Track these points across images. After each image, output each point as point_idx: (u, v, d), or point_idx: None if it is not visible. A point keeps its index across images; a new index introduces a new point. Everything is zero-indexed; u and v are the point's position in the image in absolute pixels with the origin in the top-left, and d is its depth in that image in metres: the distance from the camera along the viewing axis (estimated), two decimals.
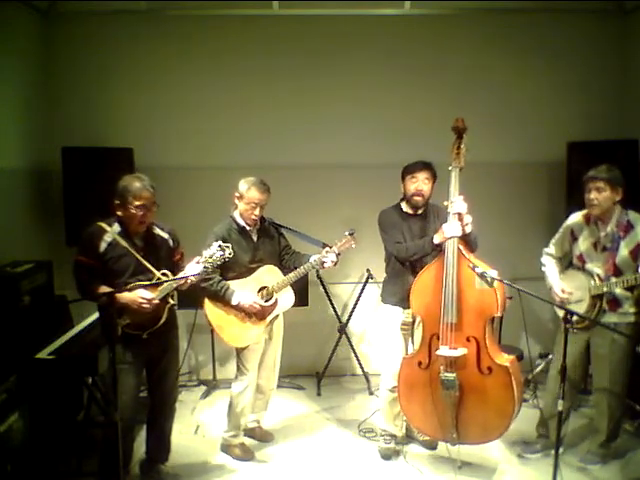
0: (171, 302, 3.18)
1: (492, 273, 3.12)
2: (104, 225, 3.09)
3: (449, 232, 3.31)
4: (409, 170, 3.57)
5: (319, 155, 4.84)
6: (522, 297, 4.21)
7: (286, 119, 4.85)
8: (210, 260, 3.08)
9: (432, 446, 3.79)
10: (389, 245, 3.60)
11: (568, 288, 3.43)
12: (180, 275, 3.15)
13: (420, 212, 3.62)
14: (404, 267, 3.57)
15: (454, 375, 3.30)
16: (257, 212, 3.57)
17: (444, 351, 3.31)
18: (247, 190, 3.55)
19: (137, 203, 3.03)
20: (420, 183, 3.53)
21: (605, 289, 3.29)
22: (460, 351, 3.31)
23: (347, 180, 4.74)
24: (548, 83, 4.89)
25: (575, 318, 3.32)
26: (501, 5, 4.80)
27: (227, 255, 3.09)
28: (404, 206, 3.65)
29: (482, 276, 3.08)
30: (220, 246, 3.08)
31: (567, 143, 4.70)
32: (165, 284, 3.07)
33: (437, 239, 3.38)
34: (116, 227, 3.10)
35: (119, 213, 3.09)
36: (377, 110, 4.83)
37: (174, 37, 4.74)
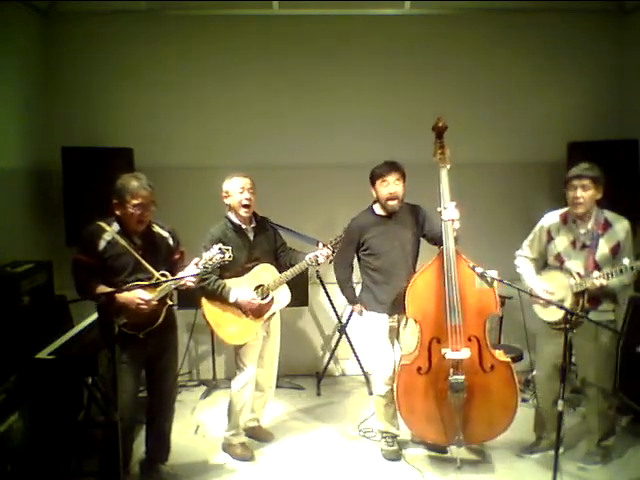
0: (169, 303, 3.18)
1: (492, 273, 3.13)
2: (103, 224, 3.10)
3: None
4: (378, 174, 3.57)
5: (319, 155, 4.85)
6: (522, 297, 4.21)
7: (286, 119, 4.85)
8: (210, 262, 3.07)
9: (442, 449, 3.69)
10: (336, 256, 3.68)
11: (551, 288, 3.41)
12: (179, 275, 3.14)
13: (395, 213, 3.61)
14: (382, 276, 3.60)
15: (463, 377, 3.30)
16: (246, 195, 3.58)
17: (452, 354, 3.30)
18: (229, 182, 3.63)
19: (135, 202, 3.04)
20: (392, 186, 3.53)
21: (588, 285, 3.27)
22: (467, 352, 3.32)
23: (347, 180, 4.73)
24: (548, 83, 4.89)
25: (556, 319, 3.34)
26: (501, 5, 4.80)
27: (227, 258, 3.09)
28: (377, 209, 3.65)
29: (482, 276, 3.09)
30: (220, 249, 3.08)
31: (567, 143, 4.70)
32: (164, 285, 3.07)
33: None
34: (115, 226, 3.11)
35: (118, 212, 3.10)
36: (377, 110, 4.84)
37: (174, 37, 4.75)
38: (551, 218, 3.51)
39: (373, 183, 3.61)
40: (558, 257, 3.46)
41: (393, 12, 4.84)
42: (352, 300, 3.81)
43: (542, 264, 3.57)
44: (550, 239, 3.49)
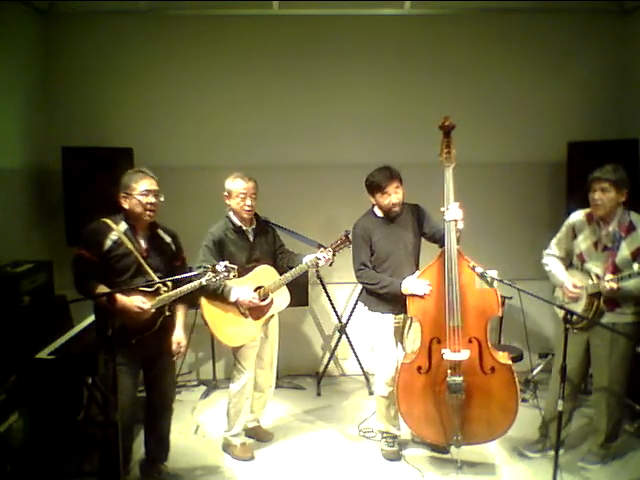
0: (167, 313, 3.15)
1: (492, 273, 3.12)
2: (110, 222, 3.09)
3: (417, 291, 3.38)
4: (376, 186, 3.52)
5: (319, 155, 4.85)
6: (522, 297, 4.21)
7: (286, 119, 4.85)
8: (214, 279, 3.05)
9: (443, 449, 3.68)
10: (354, 265, 3.61)
11: (579, 283, 3.39)
12: (178, 288, 3.10)
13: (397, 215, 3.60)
14: (386, 275, 3.57)
15: (462, 378, 3.29)
16: (249, 202, 3.57)
17: (451, 355, 3.30)
18: (232, 183, 3.60)
19: (141, 188, 3.06)
20: (393, 196, 3.51)
21: (600, 287, 3.26)
22: (466, 353, 3.31)
23: (348, 180, 4.72)
24: (548, 83, 4.89)
25: (574, 318, 3.33)
26: (501, 5, 4.80)
27: (231, 277, 3.07)
28: (379, 212, 3.64)
29: (482, 276, 3.09)
30: (227, 267, 3.05)
31: (567, 143, 4.70)
32: (164, 295, 3.06)
33: (405, 289, 3.42)
34: (123, 225, 3.10)
35: (126, 206, 3.09)
36: (377, 110, 4.83)
37: (174, 37, 4.75)
38: (577, 215, 3.50)
39: (372, 193, 3.58)
40: (580, 256, 3.45)
41: (393, 12, 4.84)
42: (396, 284, 3.46)
43: (568, 263, 3.56)
44: (574, 236, 3.48)
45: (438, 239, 3.54)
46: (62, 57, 4.69)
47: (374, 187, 3.55)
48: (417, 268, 3.62)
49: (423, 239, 3.69)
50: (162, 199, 3.15)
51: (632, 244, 3.28)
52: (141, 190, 3.06)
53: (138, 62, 4.75)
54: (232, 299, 3.52)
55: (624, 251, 3.29)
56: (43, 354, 3.23)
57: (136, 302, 2.99)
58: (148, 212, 3.09)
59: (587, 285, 3.34)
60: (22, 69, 4.36)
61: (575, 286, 3.39)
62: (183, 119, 4.79)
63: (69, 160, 4.38)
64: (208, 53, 4.76)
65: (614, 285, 3.19)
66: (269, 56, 4.79)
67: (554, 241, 3.62)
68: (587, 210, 3.45)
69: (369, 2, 4.77)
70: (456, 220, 3.32)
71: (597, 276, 3.33)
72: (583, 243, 3.44)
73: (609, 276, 3.25)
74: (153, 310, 3.05)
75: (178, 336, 3.28)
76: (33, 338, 3.36)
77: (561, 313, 3.44)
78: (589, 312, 3.35)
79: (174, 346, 3.26)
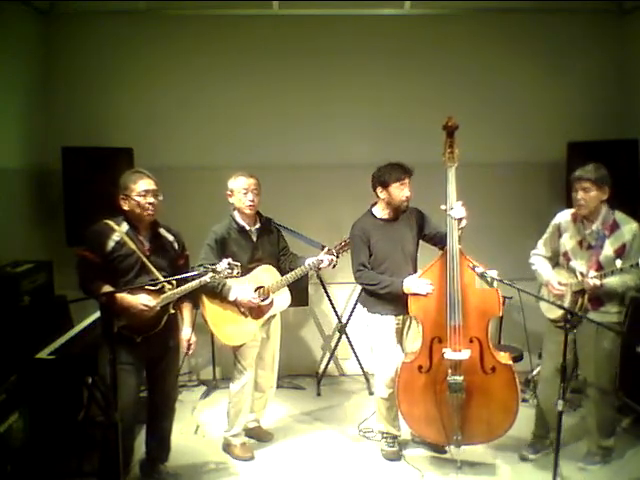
0: (171, 311, 3.16)
1: (492, 273, 3.13)
2: (112, 223, 3.10)
3: (419, 290, 3.38)
4: (395, 177, 3.51)
5: (319, 155, 4.85)
6: (522, 297, 4.21)
7: (286, 119, 4.85)
8: (217, 276, 3.06)
9: (442, 449, 3.70)
10: (353, 266, 3.60)
11: (564, 280, 3.40)
12: (182, 286, 3.11)
13: (395, 216, 3.60)
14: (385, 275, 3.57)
15: (462, 377, 3.29)
16: (250, 197, 3.58)
17: (452, 354, 3.30)
18: (234, 181, 3.61)
19: (139, 189, 3.07)
20: (407, 189, 3.53)
21: (584, 285, 3.26)
22: (467, 353, 3.31)
23: (347, 180, 4.73)
24: (548, 83, 4.89)
25: (555, 316, 3.36)
26: (501, 5, 4.80)
27: (234, 274, 3.08)
28: (378, 212, 3.63)
29: (482, 276, 3.09)
30: (229, 264, 3.05)
31: (567, 143, 4.70)
32: (168, 293, 3.07)
33: (407, 289, 3.42)
34: (124, 226, 3.11)
35: (126, 207, 3.10)
36: (377, 110, 4.83)
37: (174, 37, 4.75)
38: (563, 215, 3.52)
39: (387, 185, 3.53)
40: (565, 255, 3.46)
41: (393, 12, 4.84)
42: (397, 284, 3.47)
43: (555, 263, 3.57)
44: (560, 235, 3.50)
45: (438, 241, 3.54)
46: (62, 57, 4.69)
47: (392, 179, 3.50)
48: (415, 271, 3.61)
49: (422, 241, 3.69)
50: (161, 198, 3.16)
51: (615, 242, 3.29)
52: (139, 191, 3.07)
53: (138, 62, 4.75)
54: (231, 298, 3.52)
55: (608, 249, 3.29)
56: (43, 354, 3.22)
57: (142, 300, 3.00)
58: (148, 212, 3.10)
59: (571, 283, 3.35)
60: (22, 69, 4.36)
61: (560, 283, 3.40)
62: (183, 119, 4.79)
63: (69, 160, 4.38)
64: (208, 53, 4.76)
65: (597, 282, 3.20)
66: (269, 56, 4.79)
67: (541, 241, 3.64)
68: (573, 210, 3.46)
69: (369, 2, 4.77)
70: (460, 219, 3.32)
71: (582, 274, 3.33)
72: (568, 242, 3.45)
73: (592, 273, 3.26)
74: (158, 308, 3.06)
75: (187, 334, 3.31)
76: (33, 338, 3.36)
77: (544, 309, 3.48)
78: (573, 310, 3.32)
79: (184, 344, 3.28)
